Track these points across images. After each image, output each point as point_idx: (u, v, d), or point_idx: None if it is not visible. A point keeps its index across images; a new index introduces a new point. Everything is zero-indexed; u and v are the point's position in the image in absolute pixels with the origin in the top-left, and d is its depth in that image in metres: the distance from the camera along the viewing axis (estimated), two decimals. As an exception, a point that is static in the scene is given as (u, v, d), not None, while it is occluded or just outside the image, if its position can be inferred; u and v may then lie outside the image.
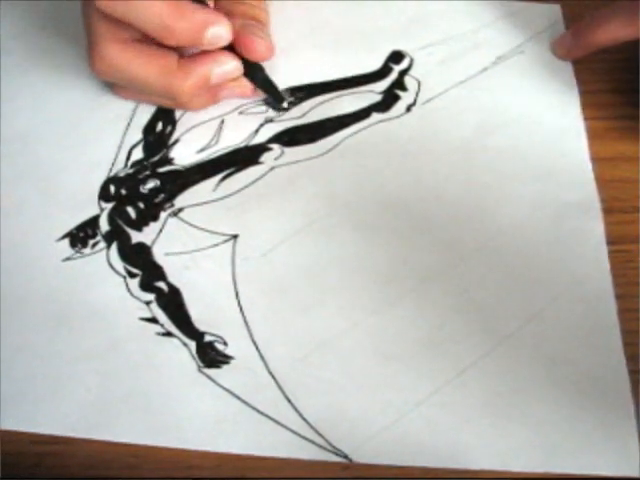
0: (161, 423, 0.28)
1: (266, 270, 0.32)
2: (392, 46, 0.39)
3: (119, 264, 0.32)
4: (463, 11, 0.40)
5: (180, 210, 0.33)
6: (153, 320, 0.31)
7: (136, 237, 0.33)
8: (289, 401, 0.29)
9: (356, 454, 0.28)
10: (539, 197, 0.34)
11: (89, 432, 0.28)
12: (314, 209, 0.33)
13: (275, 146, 0.36)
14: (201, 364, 0.30)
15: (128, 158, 0.35)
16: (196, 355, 0.30)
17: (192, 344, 0.30)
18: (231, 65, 0.34)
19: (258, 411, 0.28)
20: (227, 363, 0.30)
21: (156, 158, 0.35)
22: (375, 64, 0.38)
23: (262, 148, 0.35)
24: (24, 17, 0.40)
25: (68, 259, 0.32)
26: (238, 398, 0.29)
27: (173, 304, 0.31)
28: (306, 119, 0.36)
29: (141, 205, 0.34)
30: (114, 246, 0.32)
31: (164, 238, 0.33)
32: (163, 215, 0.33)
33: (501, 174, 0.34)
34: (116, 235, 0.33)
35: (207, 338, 0.30)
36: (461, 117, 0.36)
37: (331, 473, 0.27)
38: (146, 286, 0.31)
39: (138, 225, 0.33)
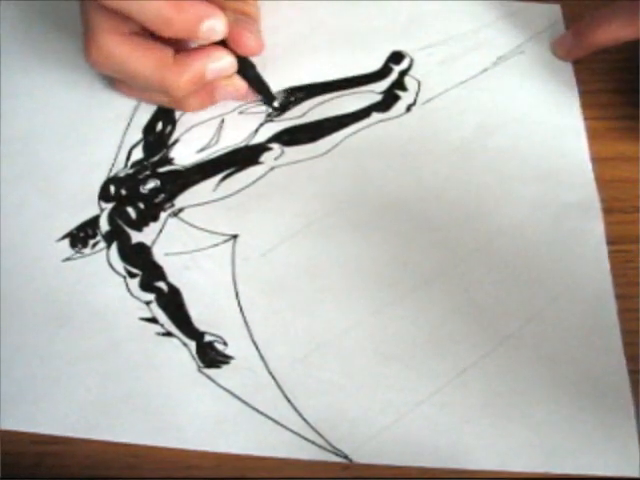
0: (161, 423, 0.28)
1: (266, 270, 0.32)
2: (392, 46, 0.39)
3: (119, 264, 0.32)
4: (463, 11, 0.40)
5: (180, 210, 0.33)
6: (153, 320, 0.31)
7: (136, 237, 0.33)
8: (289, 401, 0.29)
9: (356, 454, 0.28)
10: (539, 197, 0.34)
11: (89, 432, 0.28)
12: (314, 209, 0.33)
13: (275, 146, 0.36)
14: (201, 364, 0.30)
15: (128, 158, 0.35)
16: (196, 355, 0.30)
17: (192, 344, 0.30)
18: (226, 60, 0.34)
19: (258, 411, 0.28)
20: (227, 363, 0.30)
21: (156, 158, 0.35)
22: (375, 64, 0.38)
23: (262, 148, 0.35)
24: (24, 17, 0.40)
25: (68, 259, 0.32)
26: (238, 398, 0.29)
27: (173, 304, 0.31)
28: (306, 119, 0.36)
29: (141, 205, 0.34)
30: (114, 246, 0.32)
31: (164, 238, 0.33)
32: (163, 215, 0.33)
33: (501, 174, 0.34)
34: (116, 235, 0.33)
35: (207, 338, 0.30)
36: (461, 117, 0.36)
37: (331, 473, 0.27)
38: (146, 286, 0.31)
39: (138, 225, 0.33)
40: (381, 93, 0.37)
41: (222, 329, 0.30)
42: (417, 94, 0.37)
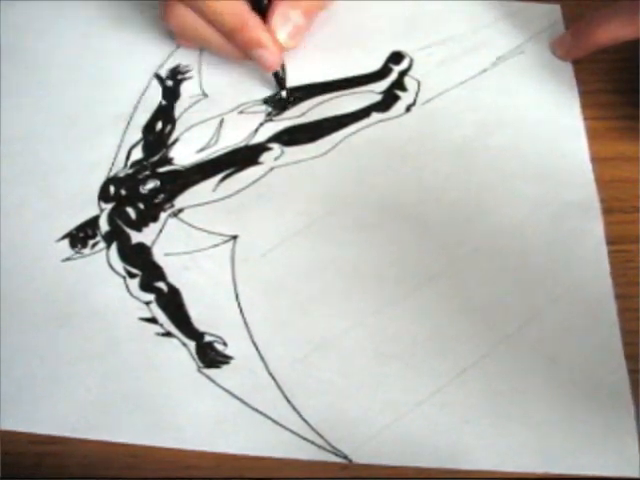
0: (161, 423, 0.28)
1: (266, 270, 0.32)
2: (392, 46, 0.39)
3: (119, 264, 0.32)
4: (463, 11, 0.40)
5: (180, 211, 0.33)
6: (153, 320, 0.31)
7: (136, 237, 0.33)
8: (289, 401, 0.29)
9: (356, 454, 0.28)
10: (539, 197, 0.34)
11: (88, 432, 0.28)
12: (314, 209, 0.33)
13: (275, 146, 0.36)
14: (201, 364, 0.30)
15: (128, 158, 0.35)
16: (196, 355, 0.30)
17: (192, 344, 0.30)
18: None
19: (258, 411, 0.28)
20: (227, 363, 0.30)
21: (156, 158, 0.35)
22: (375, 64, 0.38)
23: (262, 148, 0.35)
24: (25, 17, 0.40)
25: (68, 259, 0.32)
26: (238, 398, 0.29)
27: (173, 304, 0.31)
28: (306, 119, 0.36)
29: (141, 206, 0.34)
30: (114, 246, 0.32)
31: (164, 238, 0.33)
32: (163, 216, 0.33)
33: (501, 174, 0.34)
34: (116, 235, 0.33)
35: (207, 338, 0.30)
36: (461, 117, 0.36)
37: (330, 473, 0.27)
38: (146, 286, 0.31)
39: (138, 225, 0.33)
40: (381, 93, 0.37)
41: (222, 329, 0.30)
42: (417, 94, 0.37)
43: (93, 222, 0.33)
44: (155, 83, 0.38)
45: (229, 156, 0.35)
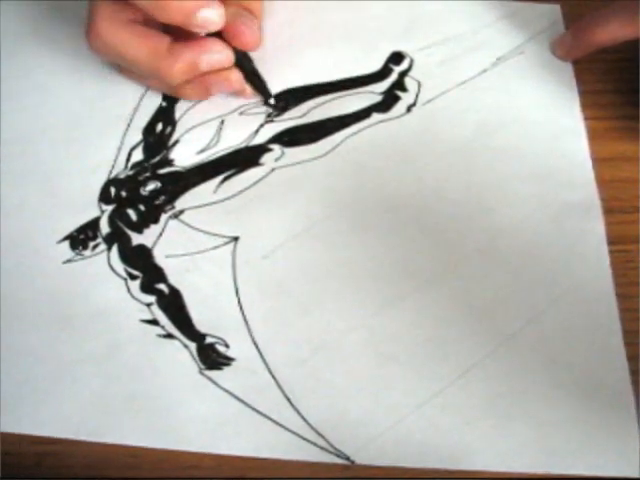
0: (162, 425, 0.28)
1: (267, 272, 0.32)
2: (392, 47, 0.39)
3: (120, 266, 0.32)
4: (463, 11, 0.40)
5: (181, 212, 0.33)
6: (154, 322, 0.31)
7: (137, 239, 0.33)
8: (290, 402, 0.29)
9: (358, 456, 0.28)
10: (539, 197, 0.34)
11: (90, 435, 0.28)
12: (314, 211, 0.33)
13: (275, 146, 0.36)
14: (202, 366, 0.30)
15: (128, 159, 0.35)
16: (197, 357, 0.30)
17: (193, 346, 0.30)
18: (221, 53, 0.34)
19: (259, 413, 0.28)
20: (228, 365, 0.30)
21: (156, 159, 0.35)
22: (375, 64, 0.38)
23: (262, 149, 0.35)
24: (25, 18, 0.40)
25: (69, 261, 0.32)
26: (239, 400, 0.29)
27: (174, 306, 0.31)
28: (306, 119, 0.36)
29: (142, 207, 0.34)
30: (115, 248, 0.32)
31: (165, 240, 0.33)
32: (164, 217, 0.33)
33: (501, 174, 0.34)
34: (117, 237, 0.33)
35: (208, 340, 0.30)
36: (461, 117, 0.36)
37: (332, 474, 0.27)
38: (147, 288, 0.31)
39: (139, 227, 0.33)
40: (381, 94, 0.37)
41: (223, 331, 0.30)
42: (417, 95, 0.37)
43: (94, 224, 0.33)
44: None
45: (230, 157, 0.35)
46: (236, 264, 0.32)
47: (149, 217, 0.33)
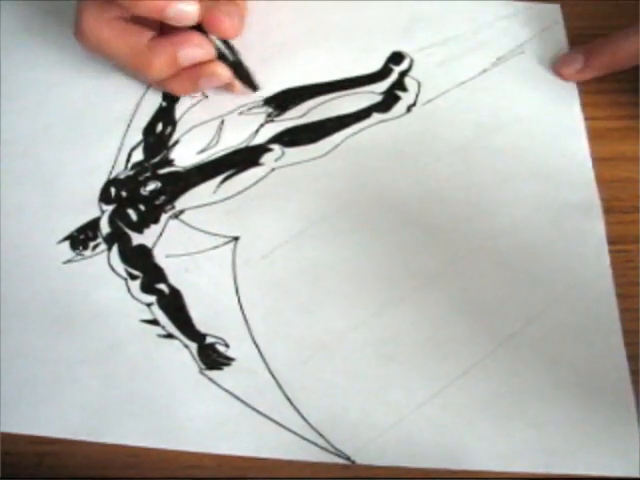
0: (162, 425, 0.28)
1: (267, 272, 0.32)
2: (392, 47, 0.39)
3: (120, 266, 0.32)
4: (463, 11, 0.40)
5: (181, 212, 0.33)
6: (154, 322, 0.31)
7: (137, 239, 0.33)
8: (291, 402, 0.29)
9: (358, 456, 0.28)
10: (539, 197, 0.34)
11: (91, 435, 0.28)
12: (315, 211, 0.33)
13: (275, 147, 0.36)
14: (202, 366, 0.30)
15: (128, 160, 0.35)
16: (197, 357, 0.30)
17: (193, 346, 0.30)
18: (199, 46, 0.33)
19: (260, 413, 0.28)
20: (228, 365, 0.30)
21: (156, 159, 0.35)
22: (375, 64, 0.38)
23: (262, 149, 0.35)
24: (25, 18, 0.40)
25: (69, 261, 0.32)
26: (240, 400, 0.29)
27: (174, 306, 0.31)
28: (306, 119, 0.36)
29: (142, 207, 0.34)
30: (115, 248, 0.32)
31: (165, 240, 0.33)
32: (164, 217, 0.33)
33: (501, 174, 0.34)
34: (117, 237, 0.33)
35: (208, 340, 0.30)
36: (461, 118, 0.36)
37: (332, 474, 0.27)
38: (147, 288, 0.31)
39: (139, 227, 0.33)
40: (381, 94, 0.37)
41: (223, 331, 0.30)
42: (417, 95, 0.37)
43: (94, 224, 0.33)
44: (155, 84, 0.38)
45: (230, 157, 0.35)
46: (236, 264, 0.32)
47: (149, 217, 0.33)
